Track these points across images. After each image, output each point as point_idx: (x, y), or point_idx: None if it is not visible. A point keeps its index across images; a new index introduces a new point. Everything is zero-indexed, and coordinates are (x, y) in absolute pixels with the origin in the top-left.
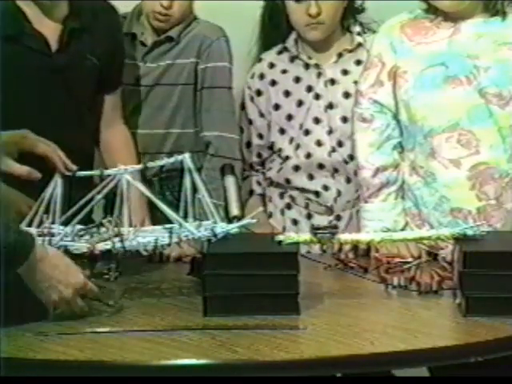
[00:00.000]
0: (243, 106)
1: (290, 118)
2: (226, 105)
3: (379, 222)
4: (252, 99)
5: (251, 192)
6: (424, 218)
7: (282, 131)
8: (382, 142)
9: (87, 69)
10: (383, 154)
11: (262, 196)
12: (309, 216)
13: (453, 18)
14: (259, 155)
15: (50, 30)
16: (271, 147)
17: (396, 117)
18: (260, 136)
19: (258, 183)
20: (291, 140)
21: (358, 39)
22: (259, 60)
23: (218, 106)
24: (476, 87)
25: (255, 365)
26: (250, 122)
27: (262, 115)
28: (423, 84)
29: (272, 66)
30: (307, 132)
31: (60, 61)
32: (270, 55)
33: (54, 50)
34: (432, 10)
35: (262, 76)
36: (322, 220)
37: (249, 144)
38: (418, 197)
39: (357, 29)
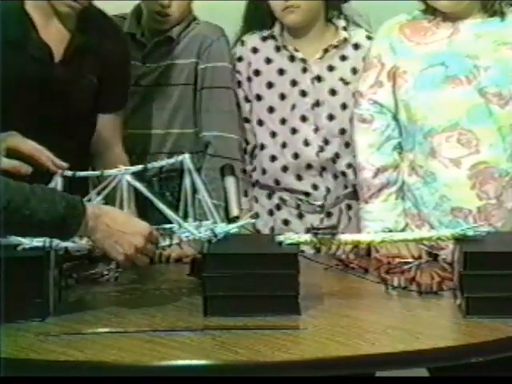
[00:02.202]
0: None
1: (271, 110)
2: (225, 105)
3: (380, 223)
4: (240, 84)
5: None
6: (424, 218)
7: (261, 123)
8: (382, 143)
9: (85, 85)
10: (383, 155)
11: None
12: (300, 215)
13: (451, 18)
14: (246, 141)
15: (55, 42)
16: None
17: (396, 117)
18: (246, 120)
19: (245, 192)
20: (273, 134)
21: (344, 34)
22: (242, 43)
23: (218, 106)
24: (476, 87)
25: (255, 365)
26: (238, 105)
27: (247, 100)
28: (423, 84)
29: (255, 50)
30: (294, 131)
31: (60, 73)
32: (253, 39)
33: (57, 61)
34: (430, 11)
35: (249, 63)
36: (313, 219)
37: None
38: (417, 197)
39: (342, 23)
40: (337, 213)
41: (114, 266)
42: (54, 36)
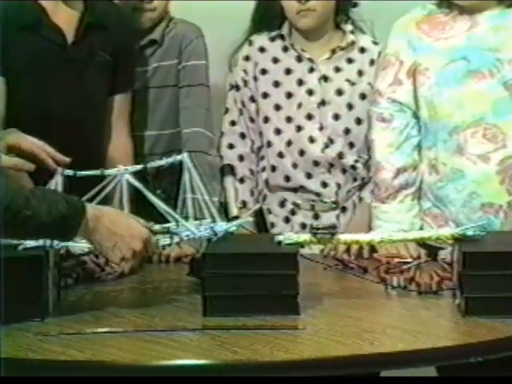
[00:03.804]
0: (237, 88)
1: (277, 108)
2: (204, 103)
3: (396, 224)
4: (246, 83)
5: (243, 203)
6: (449, 217)
7: (266, 120)
8: (402, 142)
9: (100, 64)
10: (403, 155)
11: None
12: (316, 216)
13: (468, 11)
14: (252, 141)
15: (66, 23)
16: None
17: (415, 115)
18: (252, 120)
19: (252, 192)
20: (277, 131)
21: (351, 37)
22: (250, 42)
23: (198, 104)
24: (500, 80)
25: (255, 365)
26: (243, 104)
27: (253, 100)
28: (446, 80)
29: (263, 50)
30: (299, 128)
31: (74, 53)
32: (261, 39)
33: (70, 42)
34: (445, 4)
35: (256, 63)
36: (329, 217)
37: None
38: (441, 196)
39: (349, 27)
40: (351, 207)
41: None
42: (64, 18)
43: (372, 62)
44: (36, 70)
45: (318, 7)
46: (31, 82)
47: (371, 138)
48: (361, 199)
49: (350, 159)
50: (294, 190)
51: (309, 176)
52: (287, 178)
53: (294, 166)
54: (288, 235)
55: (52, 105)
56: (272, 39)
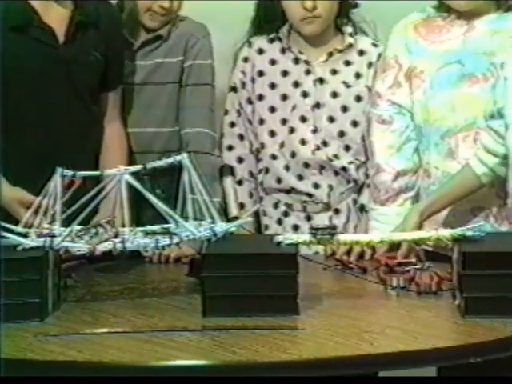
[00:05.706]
0: (235, 89)
1: (272, 110)
2: (209, 102)
3: (394, 227)
4: (244, 85)
5: (241, 205)
6: (440, 220)
7: (261, 122)
8: (402, 144)
9: (91, 63)
10: (403, 158)
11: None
12: (308, 218)
13: (466, 15)
14: (250, 143)
15: (57, 23)
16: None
17: (413, 118)
18: (249, 122)
19: (250, 194)
20: (272, 134)
21: (349, 40)
22: (249, 44)
23: (203, 104)
24: (494, 84)
25: (254, 365)
26: (241, 106)
27: (250, 102)
28: (440, 83)
29: (261, 51)
30: (292, 130)
31: (66, 53)
32: (260, 40)
33: (61, 42)
34: (444, 8)
35: (254, 64)
36: (321, 218)
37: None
38: None
39: (349, 29)
40: (345, 209)
41: None
42: (55, 18)
43: (370, 65)
44: (26, 70)
45: (324, 13)
46: (21, 82)
47: (371, 140)
48: (362, 206)
49: (342, 161)
50: (287, 191)
51: (300, 178)
52: (279, 180)
53: (286, 168)
54: (288, 235)
55: (42, 105)
56: (271, 41)
